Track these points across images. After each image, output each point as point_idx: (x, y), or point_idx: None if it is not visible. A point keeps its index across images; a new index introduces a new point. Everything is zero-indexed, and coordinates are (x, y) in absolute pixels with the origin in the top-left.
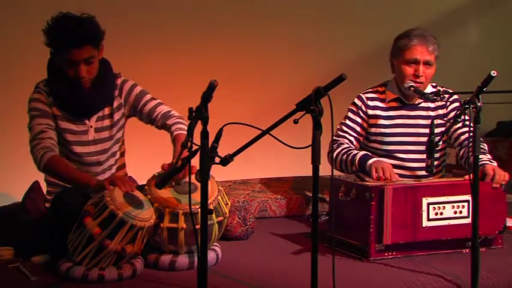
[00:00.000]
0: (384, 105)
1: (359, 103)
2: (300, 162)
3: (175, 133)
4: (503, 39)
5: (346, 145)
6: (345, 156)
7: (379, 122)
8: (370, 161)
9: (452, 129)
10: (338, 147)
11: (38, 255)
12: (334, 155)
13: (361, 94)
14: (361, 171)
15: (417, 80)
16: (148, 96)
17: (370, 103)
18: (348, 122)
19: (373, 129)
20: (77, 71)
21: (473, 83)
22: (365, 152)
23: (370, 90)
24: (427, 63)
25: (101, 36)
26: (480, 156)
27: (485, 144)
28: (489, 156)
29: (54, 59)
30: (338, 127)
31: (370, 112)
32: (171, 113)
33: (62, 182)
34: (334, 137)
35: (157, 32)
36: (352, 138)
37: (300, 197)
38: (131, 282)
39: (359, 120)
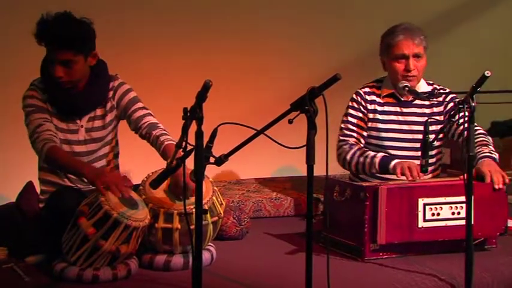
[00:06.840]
0: (380, 101)
1: (358, 98)
2: (295, 162)
3: (166, 143)
4: (503, 39)
5: (359, 146)
6: (362, 159)
7: (375, 117)
8: (394, 162)
9: (454, 127)
10: (350, 148)
11: (32, 256)
12: (348, 157)
13: (358, 90)
14: (383, 173)
15: (409, 74)
16: (140, 104)
17: (368, 98)
18: (351, 119)
19: (370, 124)
20: (53, 70)
21: (473, 82)
22: (383, 154)
23: (366, 85)
24: (416, 56)
25: (88, 43)
26: (481, 149)
27: (489, 138)
28: (491, 148)
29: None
30: (343, 126)
31: (369, 107)
32: (158, 125)
33: (63, 172)
34: (341, 137)
35: (155, 31)
36: (359, 136)
37: (294, 197)
38: (126, 282)
39: (361, 115)
